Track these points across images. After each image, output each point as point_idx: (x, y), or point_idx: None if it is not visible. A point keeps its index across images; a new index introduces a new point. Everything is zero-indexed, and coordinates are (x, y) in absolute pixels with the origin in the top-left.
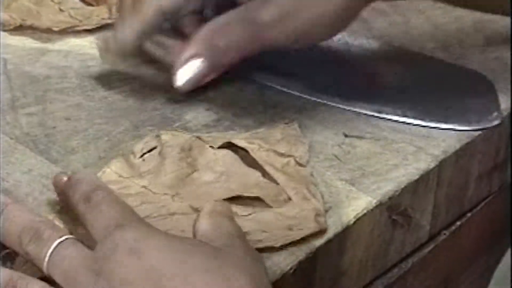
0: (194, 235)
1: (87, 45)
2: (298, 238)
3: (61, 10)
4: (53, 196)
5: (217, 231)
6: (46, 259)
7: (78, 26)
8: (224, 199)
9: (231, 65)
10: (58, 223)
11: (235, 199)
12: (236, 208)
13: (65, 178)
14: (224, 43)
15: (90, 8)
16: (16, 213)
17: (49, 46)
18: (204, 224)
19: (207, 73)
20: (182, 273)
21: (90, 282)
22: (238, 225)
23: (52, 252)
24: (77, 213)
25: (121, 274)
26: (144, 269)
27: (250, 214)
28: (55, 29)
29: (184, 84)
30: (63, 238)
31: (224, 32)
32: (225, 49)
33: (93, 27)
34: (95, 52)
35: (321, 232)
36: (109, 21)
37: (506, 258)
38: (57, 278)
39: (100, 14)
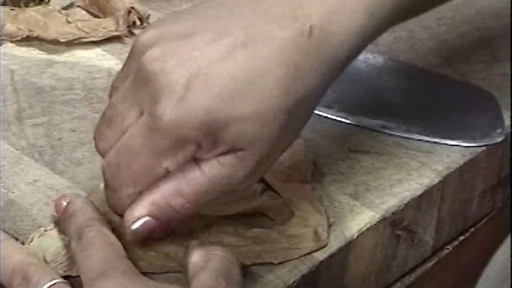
0: (186, 266)
1: (94, 56)
2: (296, 256)
3: (68, 21)
4: None
5: (206, 266)
6: None
7: (85, 37)
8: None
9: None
10: (60, 235)
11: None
12: (236, 224)
13: (64, 204)
14: (180, 205)
15: (97, 20)
16: (8, 252)
17: (55, 57)
18: (195, 256)
19: (158, 229)
20: None
21: None
22: (228, 255)
23: None
24: (71, 249)
25: None
26: None
27: (249, 231)
28: (62, 40)
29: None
30: (52, 282)
31: (187, 194)
32: (181, 209)
33: (100, 38)
34: (101, 63)
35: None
36: (116, 33)
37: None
38: None
39: (107, 26)
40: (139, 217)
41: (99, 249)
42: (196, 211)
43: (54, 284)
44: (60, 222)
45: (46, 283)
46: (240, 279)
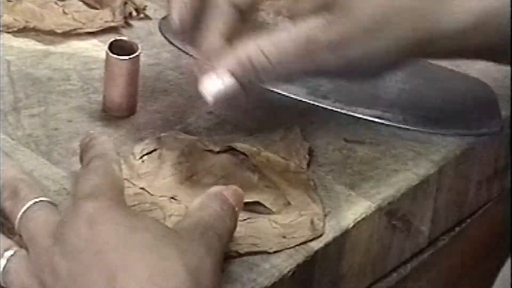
0: None
1: (90, 47)
2: (292, 245)
3: (64, 12)
4: (54, 197)
5: (194, 211)
6: (18, 217)
7: (81, 28)
8: None
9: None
10: None
11: None
12: None
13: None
14: (261, 63)
15: (94, 11)
16: (3, 167)
17: (52, 48)
18: (195, 202)
19: (237, 94)
20: (124, 247)
21: (46, 246)
22: (226, 219)
23: (24, 212)
24: (78, 175)
25: (73, 241)
26: (92, 239)
27: (245, 220)
28: (59, 31)
29: (211, 99)
30: (38, 199)
31: (271, 53)
32: (262, 69)
33: (96, 30)
34: (98, 54)
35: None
36: (112, 24)
37: (505, 269)
38: (24, 237)
39: (103, 17)
40: (224, 70)
41: (99, 176)
42: (274, 79)
43: (40, 201)
44: (80, 155)
45: (32, 199)
46: (225, 234)
